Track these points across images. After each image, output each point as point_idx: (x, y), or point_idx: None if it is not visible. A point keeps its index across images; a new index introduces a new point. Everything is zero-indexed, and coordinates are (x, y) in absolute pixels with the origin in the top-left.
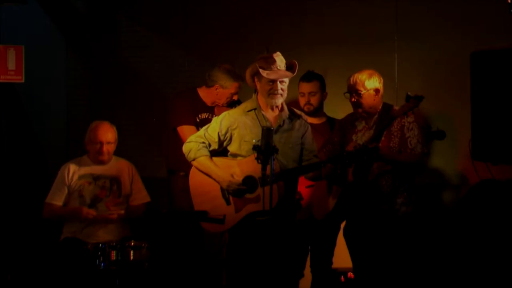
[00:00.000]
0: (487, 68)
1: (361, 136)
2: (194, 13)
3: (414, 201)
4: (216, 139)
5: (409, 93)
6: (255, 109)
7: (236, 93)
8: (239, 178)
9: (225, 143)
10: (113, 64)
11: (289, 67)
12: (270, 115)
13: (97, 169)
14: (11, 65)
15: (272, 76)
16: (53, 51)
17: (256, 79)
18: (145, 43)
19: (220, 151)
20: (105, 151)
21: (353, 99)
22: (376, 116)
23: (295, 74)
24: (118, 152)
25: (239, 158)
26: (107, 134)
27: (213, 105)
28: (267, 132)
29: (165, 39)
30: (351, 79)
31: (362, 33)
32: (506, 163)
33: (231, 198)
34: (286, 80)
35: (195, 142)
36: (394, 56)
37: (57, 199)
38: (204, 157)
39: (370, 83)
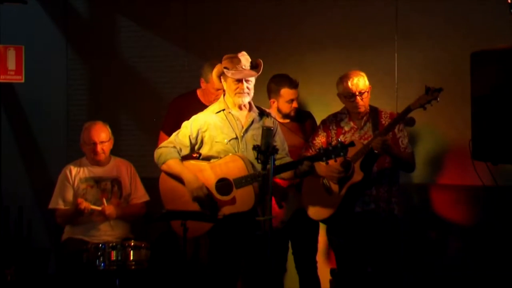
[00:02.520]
0: (487, 68)
1: (350, 136)
2: (194, 13)
3: (400, 202)
4: (188, 144)
5: (428, 85)
6: (223, 110)
7: (218, 90)
8: (212, 181)
9: (196, 147)
10: (113, 64)
11: (254, 66)
12: (240, 114)
13: (97, 171)
14: (11, 65)
15: (237, 76)
16: (53, 51)
17: (222, 79)
18: (145, 43)
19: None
20: (99, 151)
21: (359, 99)
22: (366, 116)
23: (260, 73)
24: (118, 152)
25: (212, 160)
26: (100, 133)
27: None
28: (267, 132)
29: (165, 39)
30: (353, 81)
31: (362, 33)
32: (506, 163)
33: None
34: (252, 79)
35: (165, 147)
36: (394, 56)
37: (67, 203)
38: (174, 160)
39: (367, 83)
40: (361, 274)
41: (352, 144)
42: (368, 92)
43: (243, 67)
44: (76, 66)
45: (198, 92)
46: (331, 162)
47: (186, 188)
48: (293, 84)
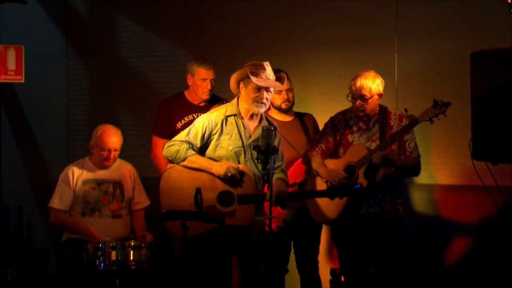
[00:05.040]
0: (487, 68)
1: (358, 136)
2: (194, 13)
3: (406, 204)
4: (198, 145)
5: (436, 99)
6: (235, 115)
7: (205, 80)
8: (216, 190)
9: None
10: (113, 64)
11: (278, 78)
12: (250, 124)
13: (100, 174)
14: (11, 65)
15: (262, 83)
16: (53, 51)
17: (242, 85)
18: (145, 43)
19: None
20: (112, 158)
21: (357, 104)
22: (375, 117)
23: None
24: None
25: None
26: (115, 141)
27: (200, 103)
28: (267, 132)
29: (165, 39)
30: (357, 84)
31: (362, 33)
32: (506, 163)
33: (204, 208)
34: (272, 90)
35: (179, 144)
36: (394, 56)
37: (64, 204)
38: (195, 155)
39: (375, 88)
40: (365, 276)
41: (361, 188)
42: (373, 97)
43: (268, 76)
44: (76, 66)
45: (186, 93)
46: (335, 166)
47: (218, 174)
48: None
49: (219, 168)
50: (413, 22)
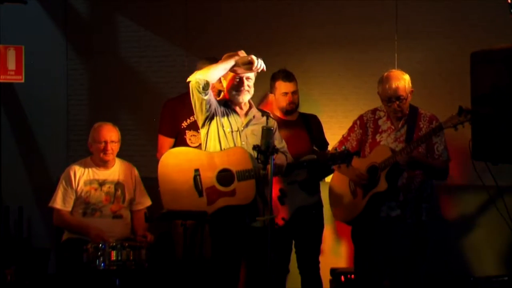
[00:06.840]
0: (487, 68)
1: (386, 137)
2: (194, 13)
3: (432, 209)
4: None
5: (462, 106)
6: (225, 101)
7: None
8: (214, 170)
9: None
10: (113, 64)
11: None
12: (239, 112)
13: (102, 174)
14: (11, 65)
15: (238, 71)
16: (53, 51)
17: (222, 78)
18: (145, 43)
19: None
20: (109, 150)
21: (395, 106)
22: (404, 118)
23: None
24: (118, 152)
25: (215, 150)
26: (111, 133)
27: None
28: (267, 132)
29: (165, 39)
30: (392, 86)
31: (362, 33)
32: (506, 163)
33: (204, 190)
34: (252, 77)
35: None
36: (394, 56)
37: (67, 205)
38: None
39: (408, 86)
40: (378, 283)
41: (358, 153)
42: (407, 98)
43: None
44: (76, 66)
45: None
46: (358, 166)
47: (237, 60)
48: (288, 77)
49: (231, 57)
50: (413, 22)
